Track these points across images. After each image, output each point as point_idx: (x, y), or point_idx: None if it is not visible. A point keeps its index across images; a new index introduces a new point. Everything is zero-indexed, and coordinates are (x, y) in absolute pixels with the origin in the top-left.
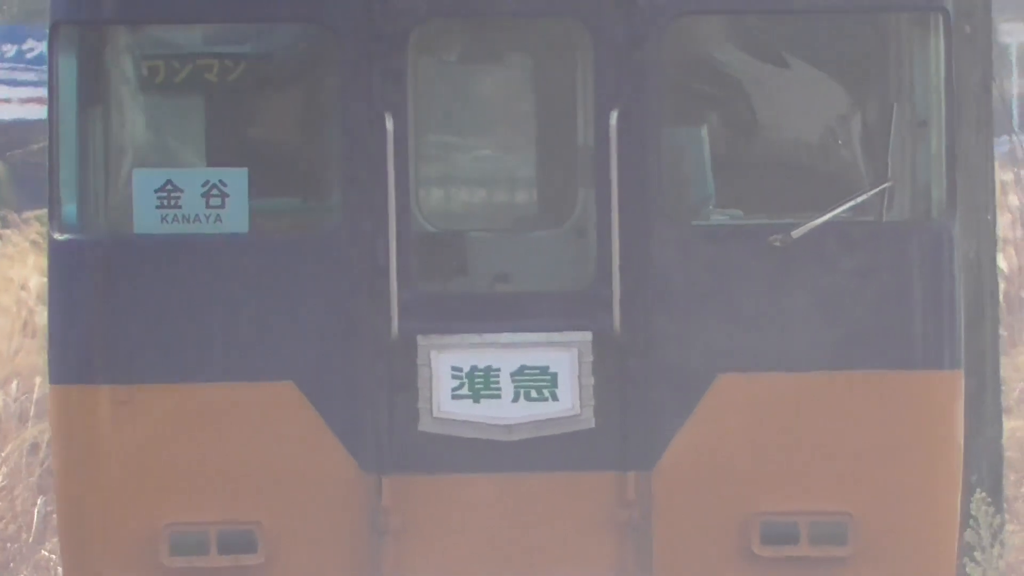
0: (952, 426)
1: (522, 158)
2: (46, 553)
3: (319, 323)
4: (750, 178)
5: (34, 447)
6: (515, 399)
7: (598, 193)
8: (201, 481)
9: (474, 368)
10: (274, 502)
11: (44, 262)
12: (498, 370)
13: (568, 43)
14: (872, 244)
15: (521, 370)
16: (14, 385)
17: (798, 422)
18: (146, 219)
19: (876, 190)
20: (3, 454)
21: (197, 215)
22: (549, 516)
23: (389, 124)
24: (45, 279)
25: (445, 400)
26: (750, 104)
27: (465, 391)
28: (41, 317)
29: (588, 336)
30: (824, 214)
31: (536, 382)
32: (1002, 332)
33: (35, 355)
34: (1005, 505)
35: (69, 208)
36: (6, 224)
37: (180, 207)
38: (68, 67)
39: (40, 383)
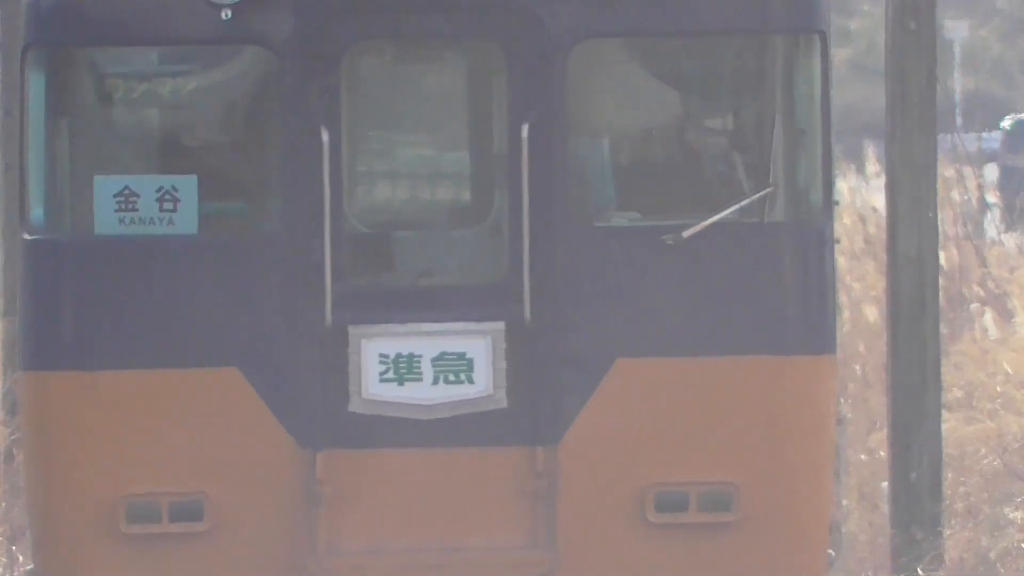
0: (825, 404)
1: (444, 165)
2: None
3: (261, 315)
4: (647, 184)
5: None
6: (435, 382)
7: (511, 197)
8: (155, 456)
9: (399, 355)
10: (219, 475)
11: None
12: (420, 356)
13: (486, 62)
14: (754, 243)
15: (441, 356)
16: None
17: (688, 402)
18: (106, 221)
19: (759, 195)
20: None
21: (152, 218)
22: (466, 487)
23: (325, 136)
24: None
25: (373, 383)
26: (648, 117)
27: (391, 375)
28: None
29: (501, 325)
30: (712, 216)
31: (454, 367)
32: (943, 329)
33: None
34: (946, 502)
35: (37, 211)
36: None
37: (137, 210)
38: (37, 85)
39: None
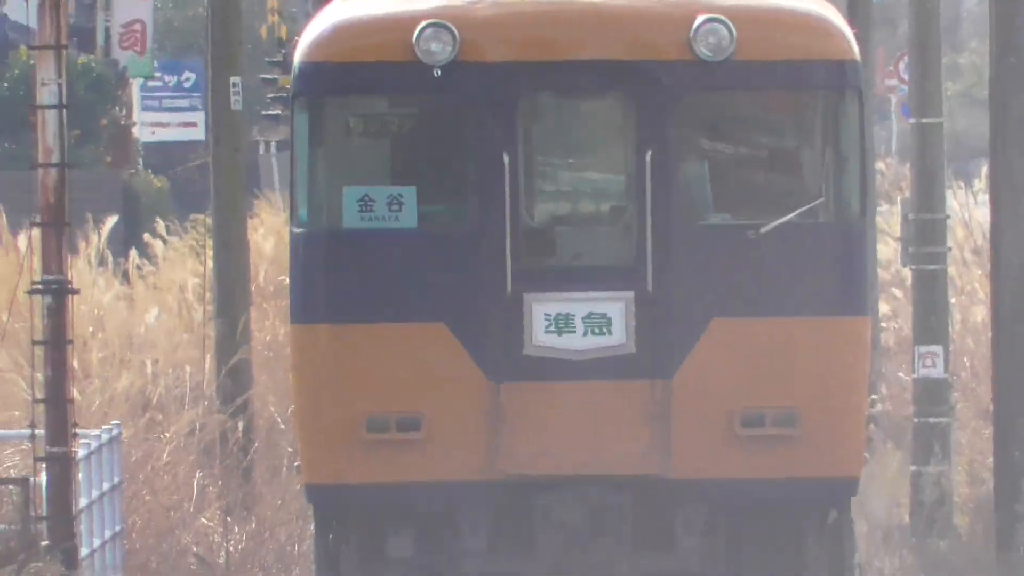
0: (861, 354)
1: (592, 180)
2: (204, 520)
3: (461, 285)
4: (735, 194)
5: (191, 430)
6: (584, 334)
7: (638, 204)
8: (386, 385)
9: (558, 314)
10: (432, 399)
11: (200, 267)
12: (574, 315)
13: (621, 107)
14: (812, 237)
15: (589, 315)
16: (175, 375)
17: (765, 349)
18: (351, 218)
19: (814, 203)
20: (168, 434)
21: (383, 216)
22: (606, 409)
23: (506, 160)
24: (199, 280)
25: (540, 335)
26: (736, 146)
27: (552, 329)
28: (197, 315)
29: (631, 294)
30: (782, 218)
31: (598, 323)
32: None
33: (192, 348)
34: None
35: (302, 211)
36: (169, 232)
37: (373, 211)
38: (302, 123)
39: (203, 369)
